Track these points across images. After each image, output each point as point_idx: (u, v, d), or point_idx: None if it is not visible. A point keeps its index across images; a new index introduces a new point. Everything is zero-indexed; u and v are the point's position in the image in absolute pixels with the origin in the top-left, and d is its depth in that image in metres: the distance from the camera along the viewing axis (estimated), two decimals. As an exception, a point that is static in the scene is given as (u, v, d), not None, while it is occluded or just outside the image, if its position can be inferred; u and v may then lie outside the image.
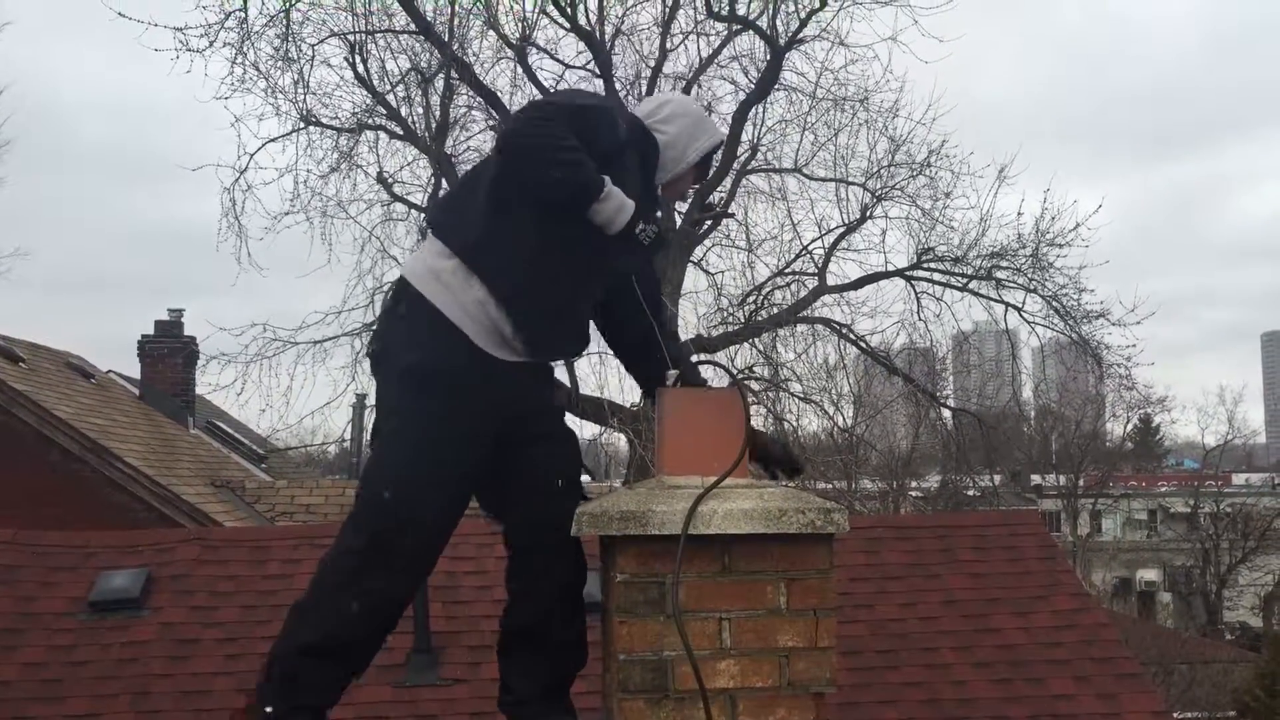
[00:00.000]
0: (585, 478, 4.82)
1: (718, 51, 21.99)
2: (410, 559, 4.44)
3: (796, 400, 23.08)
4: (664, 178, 4.75)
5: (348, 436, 22.28)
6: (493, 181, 4.41)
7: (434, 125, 21.12)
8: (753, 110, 22.01)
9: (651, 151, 4.65)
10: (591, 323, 4.80)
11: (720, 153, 4.93)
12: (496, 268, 4.34)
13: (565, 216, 4.31)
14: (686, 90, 21.61)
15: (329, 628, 4.36)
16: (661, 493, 4.06)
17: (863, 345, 23.97)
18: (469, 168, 19.90)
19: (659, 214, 4.66)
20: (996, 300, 23.28)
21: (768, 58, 21.52)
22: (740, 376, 4.77)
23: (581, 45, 21.43)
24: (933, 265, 23.30)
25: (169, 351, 23.20)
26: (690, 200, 5.37)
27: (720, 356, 21.01)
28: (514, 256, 4.34)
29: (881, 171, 23.00)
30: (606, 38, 21.13)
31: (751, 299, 23.14)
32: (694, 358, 5.08)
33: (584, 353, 5.09)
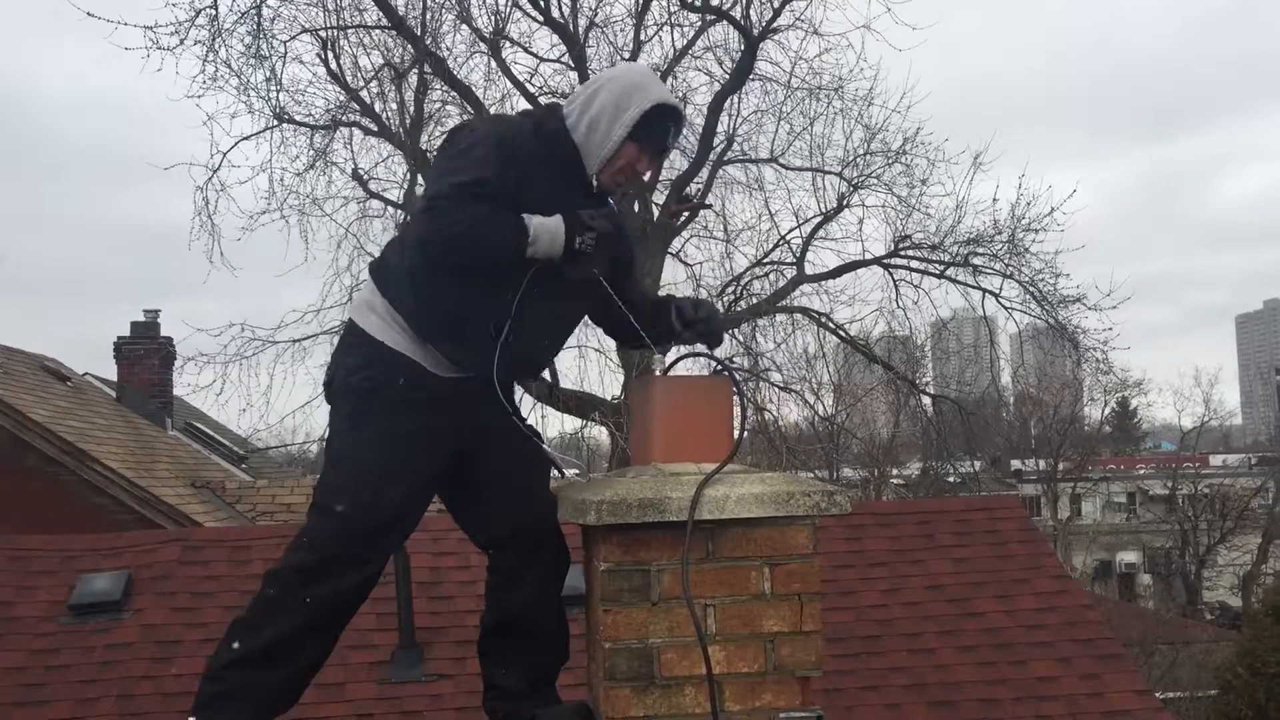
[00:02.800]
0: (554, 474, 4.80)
1: (692, 42, 21.97)
2: (361, 568, 4.35)
3: (777, 390, 23.10)
4: (595, 166, 4.46)
5: (328, 435, 22.19)
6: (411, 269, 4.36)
7: (408, 121, 21.09)
8: (728, 101, 21.98)
9: (564, 150, 4.44)
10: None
11: (672, 120, 4.53)
12: (425, 322, 4.34)
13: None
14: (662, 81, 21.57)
15: (269, 636, 4.27)
16: (669, 480, 4.07)
17: (842, 334, 23.99)
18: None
19: (609, 205, 4.54)
20: (974, 286, 23.29)
21: (742, 48, 21.49)
22: (727, 362, 4.61)
23: (555, 38, 21.41)
24: (910, 253, 23.30)
25: (146, 353, 23.15)
26: (657, 178, 4.95)
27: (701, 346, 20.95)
28: (439, 312, 4.32)
29: (857, 160, 23.00)
30: (580, 30, 21.10)
31: (730, 289, 23.13)
32: (673, 350, 4.97)
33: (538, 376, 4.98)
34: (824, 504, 4.04)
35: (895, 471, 46.16)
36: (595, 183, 4.49)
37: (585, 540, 4.35)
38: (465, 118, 21.25)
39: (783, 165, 23.21)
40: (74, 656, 8.75)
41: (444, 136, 4.72)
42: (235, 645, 4.31)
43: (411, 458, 4.34)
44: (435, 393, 4.35)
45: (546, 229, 4.22)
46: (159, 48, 18.94)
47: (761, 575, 4.03)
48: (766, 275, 23.77)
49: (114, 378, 23.59)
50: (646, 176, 4.76)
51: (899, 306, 23.49)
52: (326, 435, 4.56)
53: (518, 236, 4.18)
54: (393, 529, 4.40)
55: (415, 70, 20.98)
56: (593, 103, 4.43)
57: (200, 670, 8.59)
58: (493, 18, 20.79)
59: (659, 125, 4.47)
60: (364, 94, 21.33)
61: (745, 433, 4.28)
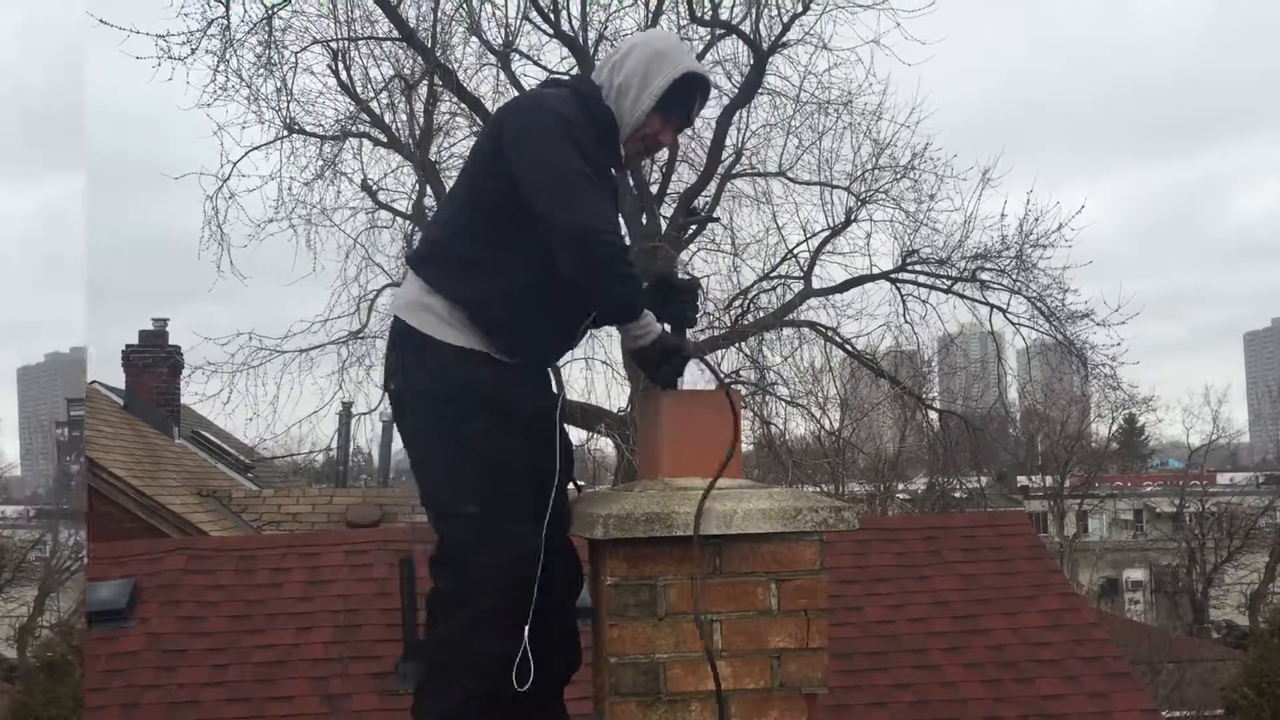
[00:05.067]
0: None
1: (701, 56, 21.89)
2: (525, 542, 4.21)
3: (784, 404, 23.10)
4: (624, 135, 4.41)
5: (334, 445, 22.25)
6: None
7: (418, 132, 21.13)
8: (737, 114, 21.95)
9: (607, 120, 4.38)
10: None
11: (699, 89, 4.50)
12: (482, 308, 4.27)
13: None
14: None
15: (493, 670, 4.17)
16: (676, 494, 4.06)
17: (849, 348, 23.97)
18: (453, 175, 19.79)
19: (627, 181, 4.53)
20: (981, 302, 23.25)
21: (751, 62, 21.50)
22: (729, 380, 4.65)
23: (565, 51, 21.39)
24: (918, 268, 23.26)
25: (153, 361, 23.19)
26: (676, 150, 4.89)
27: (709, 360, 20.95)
28: (498, 295, 4.25)
29: (865, 174, 22.95)
30: (590, 43, 21.09)
31: (737, 303, 23.11)
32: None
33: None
34: (832, 520, 4.04)
35: (901, 486, 46.13)
36: (622, 153, 4.47)
37: (592, 555, 4.34)
38: (474, 130, 21.34)
39: (791, 179, 23.19)
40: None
41: (510, 111, 4.55)
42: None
43: (515, 447, 4.27)
44: (511, 380, 4.30)
45: (649, 322, 4.28)
46: (170, 57, 19.04)
47: (769, 591, 4.02)
48: (774, 289, 23.77)
49: (122, 386, 23.61)
50: (667, 143, 4.63)
51: (906, 321, 23.47)
52: (411, 440, 4.45)
53: (639, 307, 4.24)
54: (525, 511, 4.28)
55: (425, 82, 21.03)
56: (620, 69, 4.40)
57: (204, 679, 8.66)
58: (503, 30, 20.82)
59: (685, 96, 4.43)
60: (374, 105, 21.39)
61: (738, 443, 4.25)
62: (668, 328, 4.36)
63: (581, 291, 4.23)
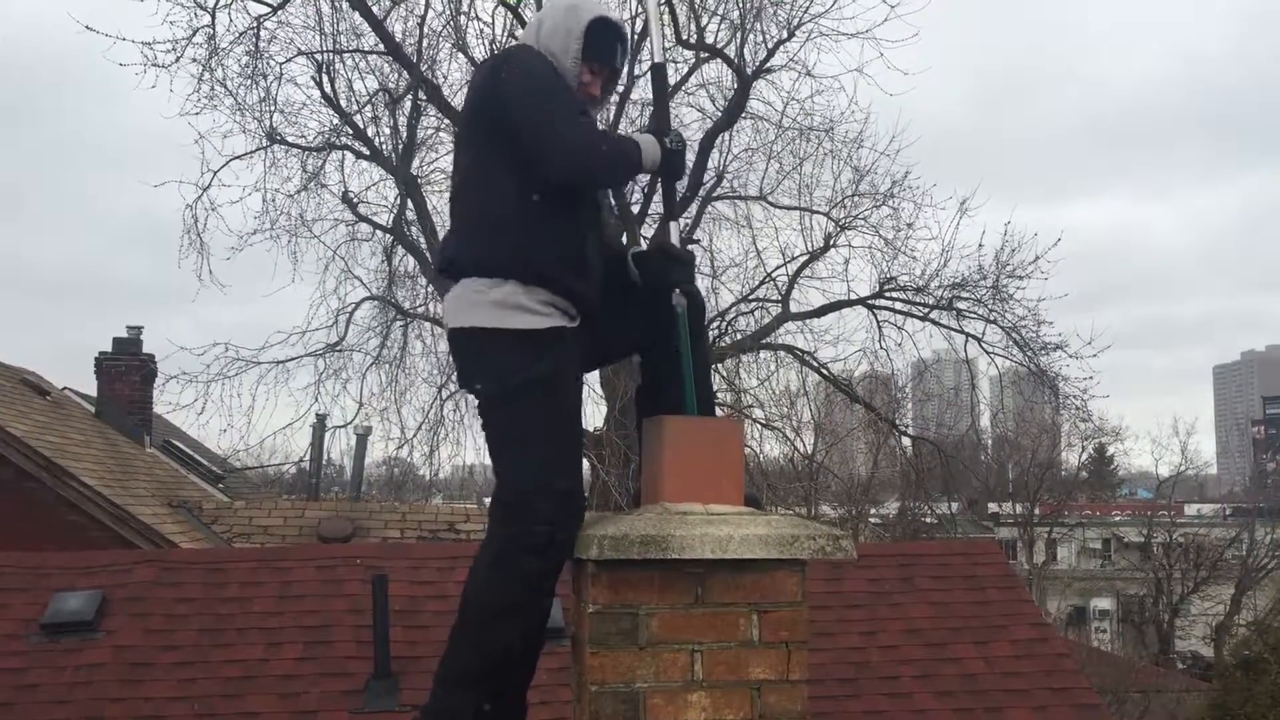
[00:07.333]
0: None
1: (685, 79, 22.02)
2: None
3: (759, 426, 23.12)
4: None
5: (308, 457, 22.20)
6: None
7: (401, 146, 21.15)
8: (719, 138, 22.03)
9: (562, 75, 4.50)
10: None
11: (616, 36, 4.60)
12: (543, 260, 4.33)
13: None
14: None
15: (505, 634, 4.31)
16: (674, 519, 4.05)
17: (824, 372, 24.11)
18: (434, 189, 19.54)
19: None
20: (957, 330, 23.30)
21: (735, 86, 21.58)
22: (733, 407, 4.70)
23: (550, 69, 21.43)
24: (894, 294, 23.35)
25: (126, 369, 23.03)
26: (608, 99, 5.04)
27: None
28: (547, 242, 4.33)
29: (845, 201, 23.11)
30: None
31: (715, 325, 23.14)
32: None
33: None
34: (830, 548, 4.04)
35: (873, 511, 46.19)
36: None
37: (575, 580, 4.32)
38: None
39: (771, 203, 23.34)
40: (44, 676, 8.69)
41: (486, 70, 4.67)
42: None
43: (579, 416, 4.54)
44: (570, 349, 4.40)
45: (646, 141, 4.42)
46: (155, 64, 19.02)
47: (750, 621, 4.01)
48: (752, 312, 23.90)
49: (94, 392, 23.48)
50: (600, 97, 4.76)
51: (881, 347, 23.57)
52: (498, 429, 4.44)
53: (634, 153, 4.37)
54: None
55: (410, 96, 21.03)
56: (541, 32, 4.53)
57: (170, 693, 8.59)
58: (489, 47, 20.82)
59: (604, 44, 4.55)
60: (357, 118, 21.40)
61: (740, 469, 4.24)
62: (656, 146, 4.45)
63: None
